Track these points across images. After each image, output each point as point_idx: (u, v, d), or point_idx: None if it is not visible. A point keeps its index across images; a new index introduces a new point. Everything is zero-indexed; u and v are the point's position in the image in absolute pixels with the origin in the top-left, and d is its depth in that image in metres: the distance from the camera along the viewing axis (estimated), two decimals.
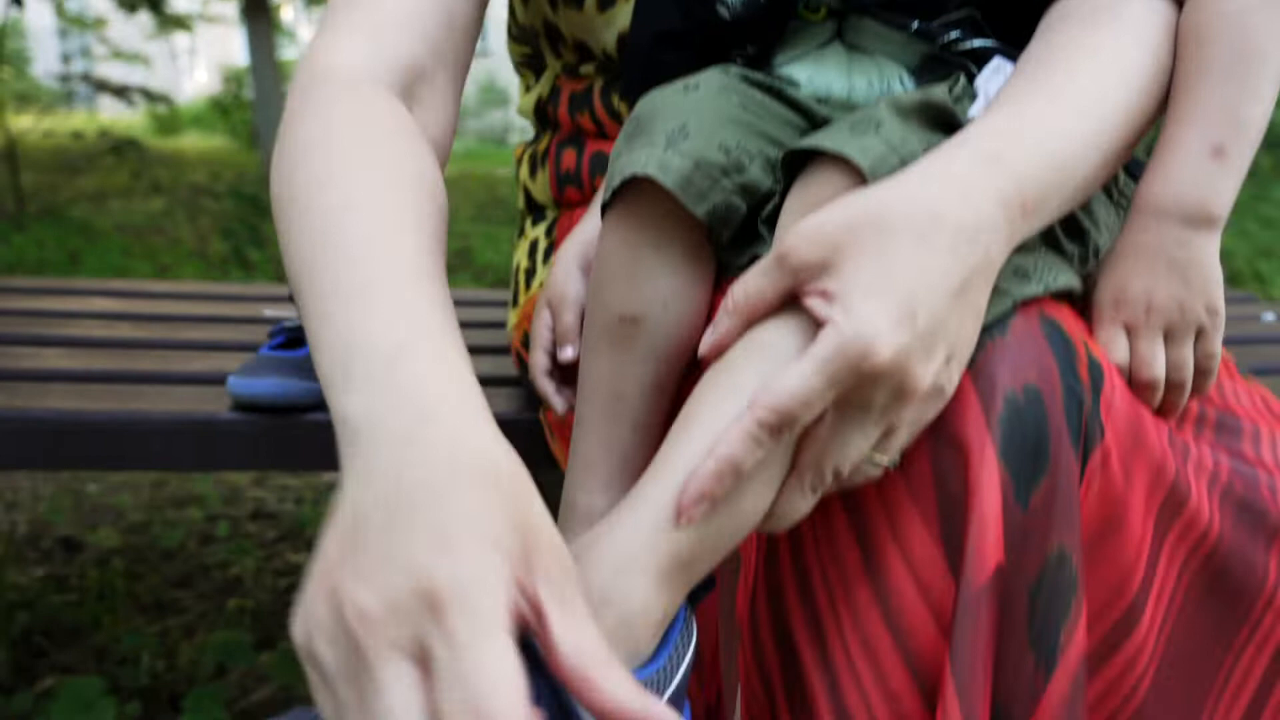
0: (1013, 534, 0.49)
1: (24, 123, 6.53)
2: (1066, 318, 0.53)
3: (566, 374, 0.72)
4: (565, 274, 0.71)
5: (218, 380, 0.94)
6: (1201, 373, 0.59)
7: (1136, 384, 0.57)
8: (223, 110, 8.74)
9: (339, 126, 0.57)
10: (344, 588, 0.37)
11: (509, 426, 0.86)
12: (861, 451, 0.48)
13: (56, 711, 1.12)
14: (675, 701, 0.51)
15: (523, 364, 0.87)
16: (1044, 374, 0.50)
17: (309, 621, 0.38)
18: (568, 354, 0.69)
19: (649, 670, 0.49)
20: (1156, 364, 0.57)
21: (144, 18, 6.87)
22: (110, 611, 1.40)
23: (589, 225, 0.73)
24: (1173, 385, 0.58)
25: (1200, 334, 0.58)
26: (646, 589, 0.47)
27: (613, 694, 0.36)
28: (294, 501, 1.84)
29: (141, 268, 3.54)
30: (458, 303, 1.36)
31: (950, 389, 0.48)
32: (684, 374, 0.63)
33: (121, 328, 1.14)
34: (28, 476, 1.86)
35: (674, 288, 0.60)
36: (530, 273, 0.88)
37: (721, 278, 0.63)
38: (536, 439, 0.86)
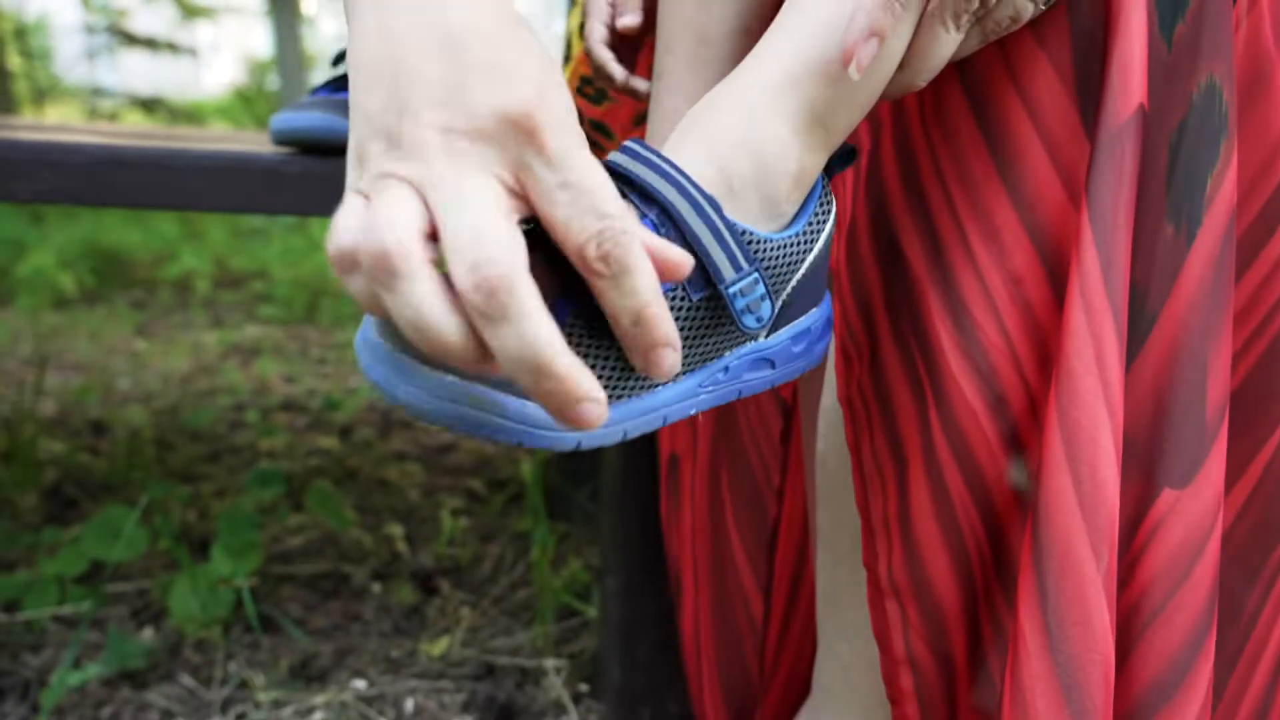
0: (1156, 74, 0.44)
1: (54, 115, 6.61)
2: None
3: (621, 54, 0.69)
4: None
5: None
6: None
7: None
8: (246, 101, 8.79)
9: None
10: (420, 119, 0.35)
11: None
12: None
13: (87, 537, 1.08)
14: (815, 276, 0.47)
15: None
16: None
17: (378, 143, 0.36)
18: (627, 20, 0.66)
19: (789, 233, 0.45)
20: None
21: (167, 11, 6.92)
22: (141, 469, 1.37)
23: None
24: None
25: None
26: (782, 133, 0.44)
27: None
28: (324, 396, 1.81)
29: (168, 228, 3.54)
30: None
31: None
32: (771, 18, 0.59)
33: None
34: (57, 369, 1.84)
35: None
36: (582, 27, 0.85)
37: None
38: None
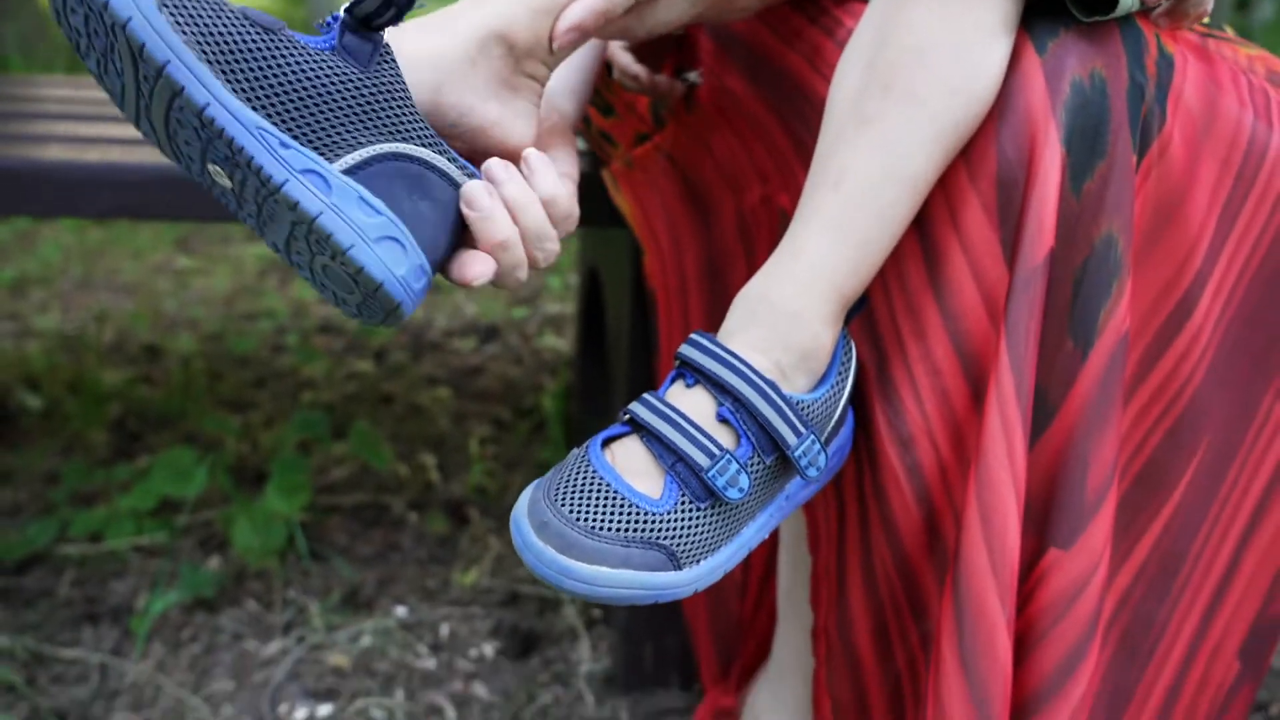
0: (1065, 222, 0.52)
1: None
2: (1142, 18, 0.54)
3: (641, 59, 0.74)
4: None
5: None
6: None
7: None
8: None
9: None
10: None
11: None
12: None
13: (155, 478, 1.22)
14: (846, 409, 0.57)
15: (584, 120, 0.90)
16: (1111, 63, 0.51)
17: None
18: None
19: (825, 389, 0.55)
20: None
21: None
22: (195, 401, 1.50)
23: None
24: None
25: None
26: (819, 331, 0.53)
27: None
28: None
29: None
30: None
31: None
32: None
33: None
34: (109, 291, 1.96)
35: None
36: None
37: None
38: (599, 195, 0.89)
